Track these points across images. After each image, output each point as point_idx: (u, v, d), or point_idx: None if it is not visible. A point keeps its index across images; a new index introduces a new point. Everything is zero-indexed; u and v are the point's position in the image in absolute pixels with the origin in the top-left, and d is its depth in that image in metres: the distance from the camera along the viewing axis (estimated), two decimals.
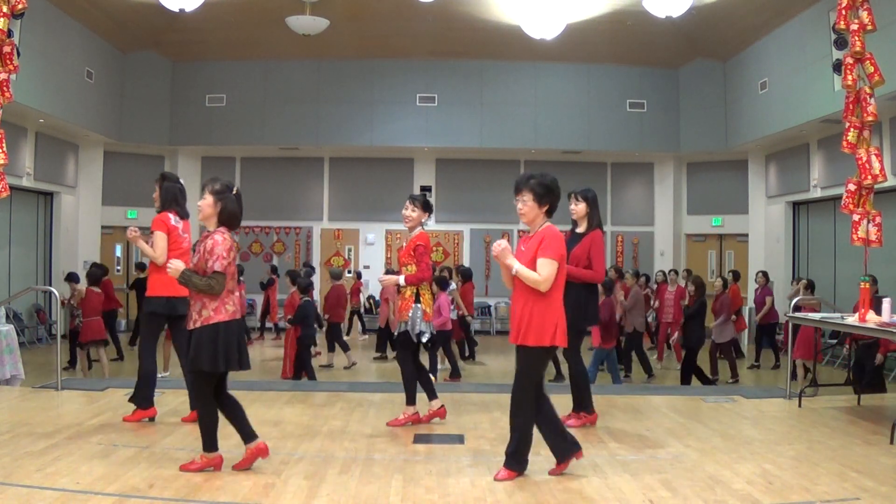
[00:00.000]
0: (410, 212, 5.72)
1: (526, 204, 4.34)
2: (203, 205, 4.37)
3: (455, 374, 10.13)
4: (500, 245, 4.25)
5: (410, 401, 5.75)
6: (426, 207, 5.80)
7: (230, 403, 4.45)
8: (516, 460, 4.38)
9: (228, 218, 4.42)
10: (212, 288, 4.26)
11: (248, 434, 4.42)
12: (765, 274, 12.24)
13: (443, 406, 5.86)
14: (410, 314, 5.62)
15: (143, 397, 5.67)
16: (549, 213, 4.43)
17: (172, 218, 5.75)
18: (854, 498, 4.07)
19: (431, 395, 5.84)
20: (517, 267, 4.25)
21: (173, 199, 5.81)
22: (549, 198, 4.37)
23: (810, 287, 10.51)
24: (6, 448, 4.79)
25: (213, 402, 4.39)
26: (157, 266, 5.63)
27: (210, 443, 4.38)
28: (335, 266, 15.13)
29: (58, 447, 4.84)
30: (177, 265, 4.35)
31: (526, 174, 4.44)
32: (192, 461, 4.42)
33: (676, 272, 12.76)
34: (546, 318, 4.25)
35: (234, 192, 4.46)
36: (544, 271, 4.23)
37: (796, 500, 4.06)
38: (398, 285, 5.69)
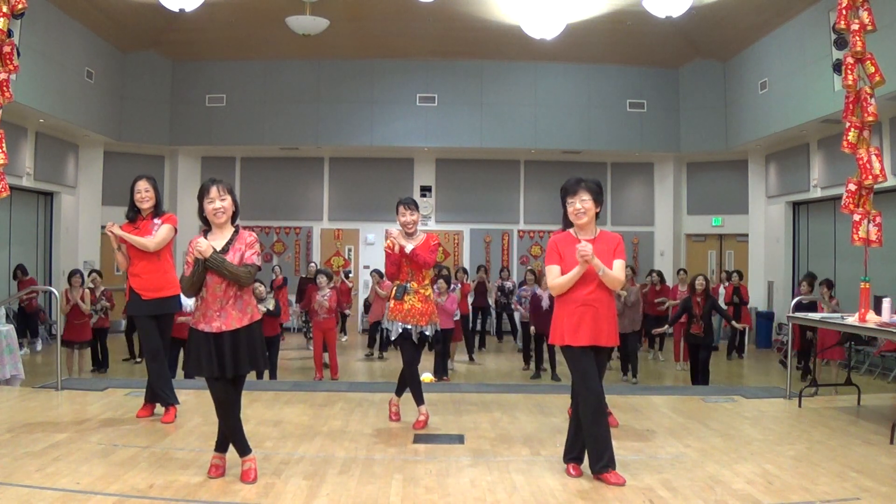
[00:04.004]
0: (410, 216, 5.75)
1: (585, 203, 4.40)
2: (227, 206, 4.27)
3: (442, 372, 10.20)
4: (586, 248, 4.28)
5: (419, 400, 5.82)
6: (418, 208, 5.91)
7: None
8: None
9: (235, 214, 4.38)
10: (249, 275, 4.20)
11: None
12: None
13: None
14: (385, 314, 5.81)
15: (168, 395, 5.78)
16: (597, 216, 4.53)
17: None
18: (854, 498, 4.06)
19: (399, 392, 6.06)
20: (605, 269, 4.33)
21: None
22: (601, 198, 4.51)
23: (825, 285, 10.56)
24: (6, 448, 4.78)
25: None
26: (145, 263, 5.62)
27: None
28: (335, 266, 15.19)
29: (58, 447, 4.84)
30: (206, 244, 4.12)
31: (573, 178, 4.50)
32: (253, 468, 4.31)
33: (686, 271, 12.80)
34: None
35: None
36: (622, 274, 4.46)
37: (796, 500, 4.05)
38: (404, 253, 5.63)
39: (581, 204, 4.41)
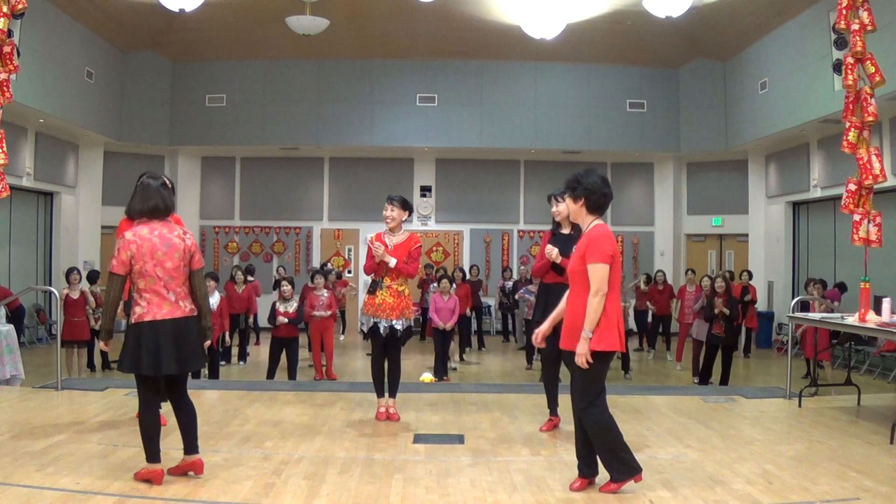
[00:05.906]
0: (390, 212, 5.88)
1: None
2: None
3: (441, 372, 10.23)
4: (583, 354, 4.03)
5: (385, 392, 6.03)
6: (405, 206, 5.96)
7: (187, 410, 4.26)
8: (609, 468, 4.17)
9: (129, 210, 4.39)
10: (108, 295, 4.19)
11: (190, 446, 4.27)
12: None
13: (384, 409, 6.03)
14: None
15: None
16: (593, 210, 4.15)
17: None
18: (854, 498, 4.07)
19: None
20: (587, 329, 4.01)
21: None
22: (581, 192, 4.11)
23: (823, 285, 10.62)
24: (6, 448, 4.79)
25: (153, 409, 4.14)
26: None
27: (151, 453, 4.10)
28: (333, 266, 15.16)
29: (58, 447, 4.84)
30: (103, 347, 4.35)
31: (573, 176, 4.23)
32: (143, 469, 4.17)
33: (694, 272, 12.70)
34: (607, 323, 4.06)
35: (140, 180, 4.39)
36: (594, 278, 3.99)
37: (796, 500, 4.06)
38: (387, 266, 5.79)
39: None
